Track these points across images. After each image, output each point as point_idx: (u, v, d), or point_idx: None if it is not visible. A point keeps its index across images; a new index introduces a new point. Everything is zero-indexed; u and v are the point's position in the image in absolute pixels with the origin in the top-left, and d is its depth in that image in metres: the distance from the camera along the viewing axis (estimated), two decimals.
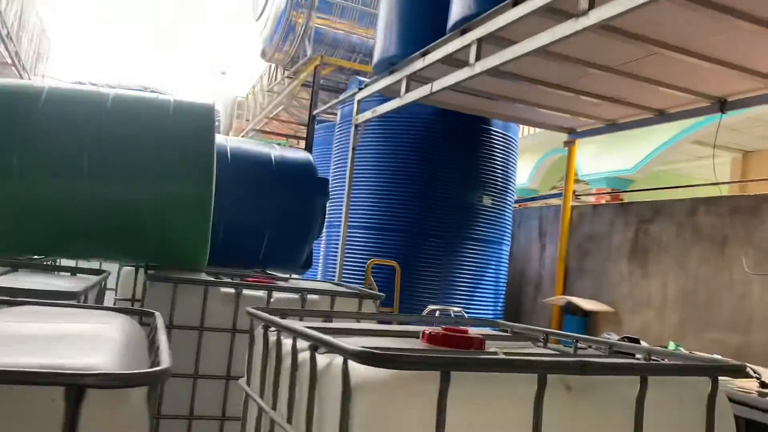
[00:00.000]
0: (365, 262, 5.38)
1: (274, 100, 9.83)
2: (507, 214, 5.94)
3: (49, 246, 2.54)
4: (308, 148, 6.61)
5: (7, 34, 7.45)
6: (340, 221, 5.63)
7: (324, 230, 6.67)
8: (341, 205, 5.67)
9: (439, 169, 5.53)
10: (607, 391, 0.98)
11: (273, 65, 9.52)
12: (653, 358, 1.32)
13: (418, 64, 3.98)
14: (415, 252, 5.40)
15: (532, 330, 1.74)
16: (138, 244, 2.62)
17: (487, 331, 1.73)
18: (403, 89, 4.21)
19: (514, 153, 6.01)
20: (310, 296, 2.44)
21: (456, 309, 4.65)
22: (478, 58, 3.24)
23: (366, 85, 5.04)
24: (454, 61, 3.57)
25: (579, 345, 1.57)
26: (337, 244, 5.31)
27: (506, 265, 5.97)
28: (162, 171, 2.52)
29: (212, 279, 2.37)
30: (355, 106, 5.19)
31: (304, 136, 7.68)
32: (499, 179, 5.76)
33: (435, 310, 4.59)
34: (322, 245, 6.09)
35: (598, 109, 5.04)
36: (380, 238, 5.44)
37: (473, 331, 1.63)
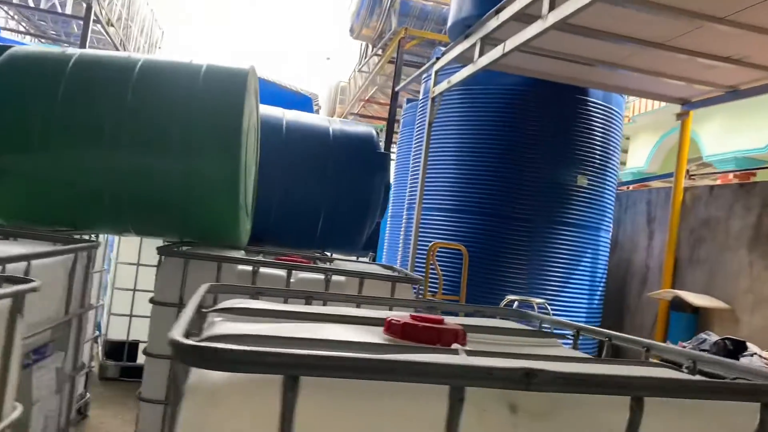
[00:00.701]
0: (456, 249, 5.09)
1: (366, 81, 9.68)
2: (607, 196, 5.37)
3: (76, 218, 2.51)
4: (390, 126, 6.39)
5: (107, 21, 7.89)
6: (430, 204, 5.37)
7: (402, 212, 6.44)
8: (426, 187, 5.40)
9: (528, 146, 5.08)
10: (582, 418, 0.66)
11: (365, 44, 9.36)
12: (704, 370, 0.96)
13: (492, 24, 3.61)
14: (498, 237, 5.01)
15: (564, 324, 1.40)
16: (165, 218, 2.53)
17: (510, 324, 1.41)
18: (476, 53, 3.85)
19: (616, 127, 5.41)
20: (336, 278, 2.22)
21: (538, 301, 4.24)
22: (552, 7, 2.83)
23: (443, 54, 4.71)
24: (529, 18, 3.17)
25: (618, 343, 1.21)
26: (411, 226, 5.06)
27: (605, 253, 5.41)
28: (186, 141, 2.40)
29: (228, 256, 2.21)
30: (433, 77, 4.88)
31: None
32: (598, 157, 5.20)
33: (513, 302, 4.21)
34: (402, 230, 5.86)
35: (716, 73, 4.37)
36: (459, 221, 5.11)
37: (476, 321, 1.33)
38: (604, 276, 5.42)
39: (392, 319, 1.02)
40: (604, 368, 0.86)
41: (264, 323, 1.11)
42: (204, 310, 1.11)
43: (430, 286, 4.59)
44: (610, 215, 5.46)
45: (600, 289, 5.36)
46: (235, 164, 2.42)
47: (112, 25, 8.31)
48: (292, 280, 2.17)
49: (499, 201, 5.05)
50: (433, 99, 4.83)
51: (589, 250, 5.18)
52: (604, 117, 5.23)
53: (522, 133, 5.09)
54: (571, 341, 1.33)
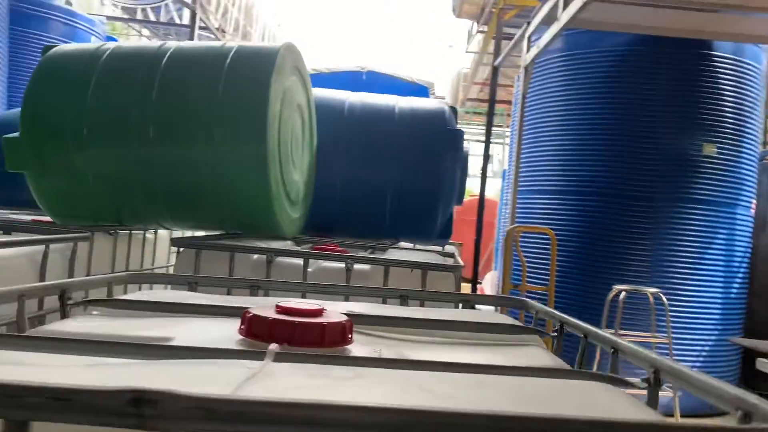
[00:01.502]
0: (542, 233, 4.64)
1: (475, 62, 9.25)
2: (745, 166, 4.59)
3: (117, 212, 2.52)
4: (491, 105, 5.99)
5: (218, 28, 8.26)
6: (522, 186, 4.96)
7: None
8: (526, 168, 4.98)
9: (641, 114, 4.48)
10: None
11: (472, 23, 8.96)
12: None
13: None
14: (610, 219, 4.47)
15: (548, 315, 1.09)
16: (200, 209, 2.46)
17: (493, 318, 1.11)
18: (560, 9, 3.41)
19: (753, 85, 4.61)
20: (359, 267, 2.00)
21: (652, 290, 3.69)
22: None
23: (532, 17, 4.28)
24: None
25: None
26: (507, 211, 4.67)
27: (745, 234, 4.64)
28: (211, 127, 2.31)
29: (240, 245, 2.08)
30: (525, 45, 4.46)
31: None
32: (729, 121, 4.46)
33: (621, 291, 3.70)
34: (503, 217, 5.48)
35: None
36: (563, 203, 4.63)
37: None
38: (745, 260, 4.65)
39: (248, 312, 0.79)
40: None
41: (134, 319, 0.93)
42: (71, 302, 0.96)
43: (515, 275, 4.21)
44: (750, 189, 4.67)
45: (740, 275, 4.60)
46: (263, 148, 2.29)
47: (224, 31, 8.70)
48: (310, 270, 2.00)
49: (610, 178, 4.50)
50: (525, 68, 4.42)
51: (723, 230, 4.46)
52: (735, 73, 4.47)
53: (633, 99, 4.49)
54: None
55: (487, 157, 5.86)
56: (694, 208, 4.41)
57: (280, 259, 2.01)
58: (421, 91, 13.53)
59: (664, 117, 4.46)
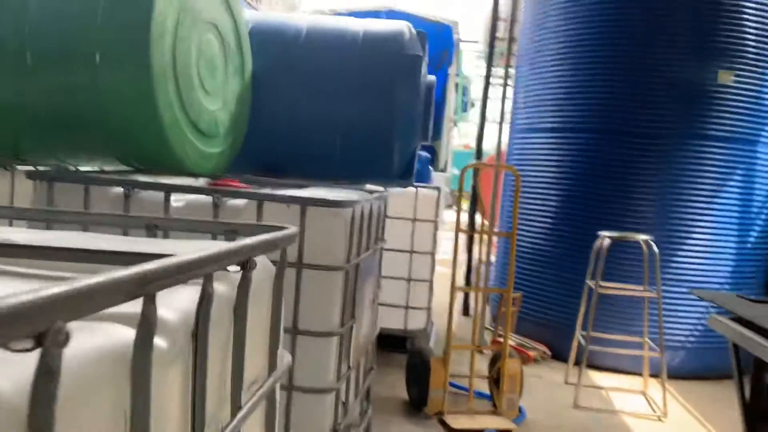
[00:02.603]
0: (543, 175, 4.27)
1: None
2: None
3: (11, 144, 2.29)
4: (492, 31, 5.52)
5: None
6: (521, 124, 4.56)
7: None
8: (523, 106, 4.57)
9: (644, 35, 4.00)
10: None
11: None
12: None
13: None
14: (607, 159, 4.06)
15: None
16: (90, 141, 2.21)
17: None
18: None
19: None
20: (233, 202, 1.73)
21: (642, 237, 3.31)
22: None
23: None
24: None
25: None
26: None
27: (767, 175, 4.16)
28: (91, 50, 2.03)
29: (99, 177, 1.82)
30: None
31: None
32: (751, 45, 3.94)
33: (604, 238, 3.34)
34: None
35: None
36: (560, 141, 4.23)
37: None
38: (767, 206, 4.19)
39: None
40: None
41: None
42: None
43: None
44: None
45: (759, 223, 4.16)
46: (146, 68, 2.00)
47: None
48: (179, 205, 1.74)
49: (608, 113, 4.06)
50: None
51: (740, 171, 4.01)
52: None
53: (637, 22, 4.00)
54: None
55: (486, 99, 5.44)
56: (706, 145, 3.95)
57: (145, 193, 1.75)
58: (445, 30, 12.94)
59: (672, 40, 3.97)
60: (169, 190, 1.71)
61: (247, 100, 2.77)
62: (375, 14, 12.36)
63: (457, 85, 13.17)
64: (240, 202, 1.71)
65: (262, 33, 2.98)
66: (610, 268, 3.56)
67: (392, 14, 12.32)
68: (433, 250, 3.78)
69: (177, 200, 1.75)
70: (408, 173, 3.14)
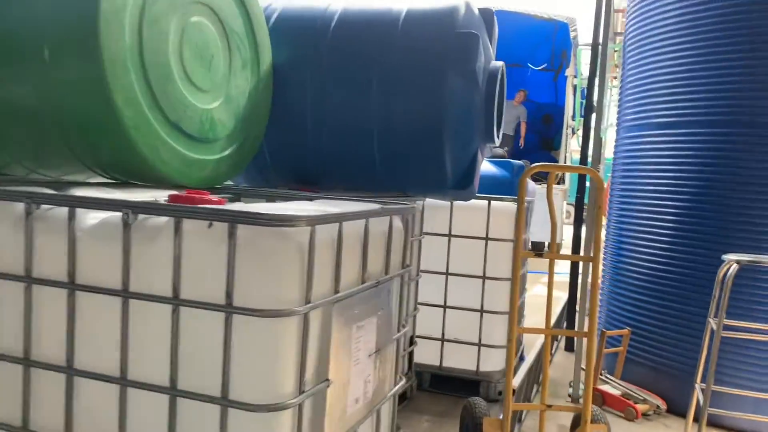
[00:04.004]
0: (654, 182, 3.51)
1: None
2: None
3: None
4: (598, 16, 4.75)
5: None
6: (628, 120, 3.82)
7: None
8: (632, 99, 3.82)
9: None
10: None
11: None
12: None
13: None
14: (743, 159, 3.22)
15: None
16: (52, 149, 1.89)
17: None
18: None
19: None
20: (155, 221, 1.30)
21: None
22: None
23: None
24: None
25: None
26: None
27: None
28: (40, 40, 1.71)
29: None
30: None
31: None
32: None
33: (731, 263, 2.55)
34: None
35: None
36: (675, 138, 3.44)
37: None
38: None
39: None
40: None
41: None
42: None
43: None
44: None
45: None
46: (95, 59, 1.64)
47: None
48: (92, 222, 1.34)
49: (741, 101, 3.23)
50: None
51: None
52: None
53: None
54: None
55: (591, 98, 4.71)
56: None
57: (58, 210, 1.38)
58: (560, 29, 12.09)
59: None
60: (75, 204, 1.31)
61: (263, 98, 2.37)
62: None
63: (575, 87, 12.24)
64: (161, 219, 1.28)
65: (286, 20, 2.59)
66: (738, 302, 2.77)
67: (499, 13, 11.69)
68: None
69: (94, 218, 1.36)
70: (466, 182, 2.59)
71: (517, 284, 2.15)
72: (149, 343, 1.28)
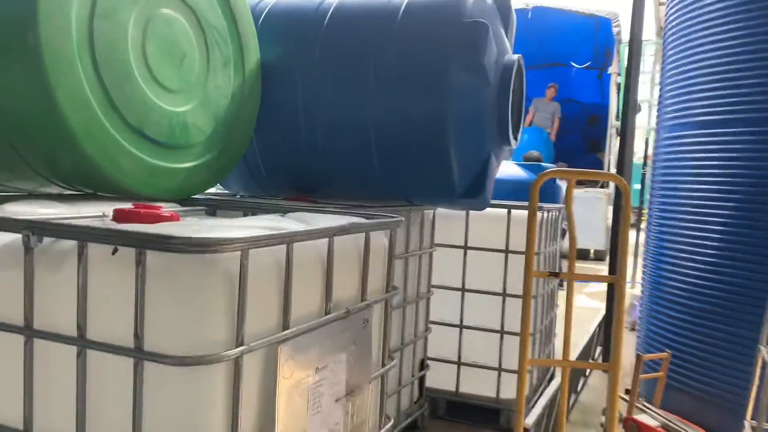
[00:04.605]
0: (695, 189, 3.18)
1: None
2: None
3: None
4: (633, 19, 4.40)
5: None
6: (673, 119, 3.49)
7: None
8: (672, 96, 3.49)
9: None
10: None
11: None
12: None
13: None
14: None
15: None
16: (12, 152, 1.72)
17: None
18: None
19: None
20: (61, 245, 1.09)
21: None
22: None
23: None
24: None
25: None
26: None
27: None
28: None
29: None
30: None
31: None
32: None
33: None
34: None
35: None
36: (717, 139, 3.10)
37: None
38: None
39: None
40: None
41: None
42: None
43: None
44: None
45: None
46: (34, 56, 1.46)
47: None
48: None
49: None
50: None
51: None
52: None
53: None
54: None
55: (628, 96, 4.38)
56: None
57: None
58: (603, 25, 11.63)
59: None
60: None
61: (249, 99, 2.17)
62: (519, 13, 11.46)
63: (619, 86, 11.76)
64: (68, 243, 1.08)
65: (277, 15, 2.39)
66: None
67: (539, 10, 11.34)
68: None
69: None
70: (478, 189, 2.33)
71: (528, 309, 1.89)
72: (55, 389, 1.08)
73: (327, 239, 1.26)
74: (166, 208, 1.79)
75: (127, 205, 1.43)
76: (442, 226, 2.86)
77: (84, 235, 1.01)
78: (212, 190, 2.73)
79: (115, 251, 1.00)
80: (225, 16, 2.07)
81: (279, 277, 1.14)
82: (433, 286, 2.80)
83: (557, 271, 2.11)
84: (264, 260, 1.10)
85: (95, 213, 1.47)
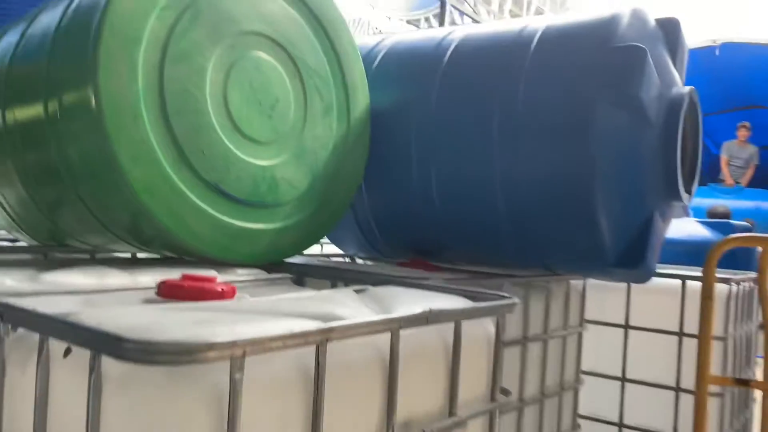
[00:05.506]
0: None
1: None
2: None
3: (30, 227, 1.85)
4: None
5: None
6: None
7: None
8: None
9: None
10: None
11: None
12: None
13: None
14: None
15: None
16: (77, 215, 1.60)
17: None
18: None
19: None
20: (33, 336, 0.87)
21: None
22: None
23: None
24: None
25: None
26: None
27: None
28: (44, 86, 1.47)
29: None
30: None
31: None
32: None
33: None
34: None
35: None
36: None
37: None
38: None
39: None
40: None
41: None
42: None
43: None
44: None
45: None
46: (95, 110, 1.32)
47: None
48: None
49: None
50: None
51: None
52: None
53: None
54: None
55: None
56: None
57: None
58: None
59: None
60: None
61: (355, 150, 1.92)
62: (706, 51, 10.40)
63: None
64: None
65: (394, 55, 2.15)
66: None
67: (728, 47, 10.22)
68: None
69: None
70: (636, 257, 1.84)
71: (703, 425, 1.36)
72: None
73: (389, 332, 0.92)
74: (245, 275, 1.58)
75: (176, 276, 1.21)
76: (597, 297, 2.37)
77: (43, 326, 0.77)
78: (317, 248, 2.52)
79: (67, 353, 0.75)
80: (328, 59, 1.86)
81: (306, 389, 0.82)
82: (584, 373, 2.30)
83: (747, 378, 1.54)
84: (280, 367, 0.79)
85: (150, 284, 1.27)
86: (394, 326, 0.92)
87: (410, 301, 1.10)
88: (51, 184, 1.61)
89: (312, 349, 0.80)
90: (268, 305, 1.01)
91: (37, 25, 1.66)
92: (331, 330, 0.81)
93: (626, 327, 2.38)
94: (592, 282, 2.29)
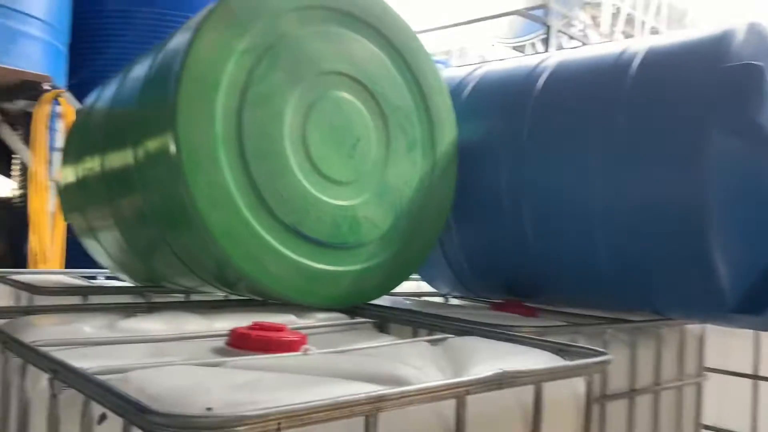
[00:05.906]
0: None
1: None
2: None
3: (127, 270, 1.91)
4: None
5: None
6: None
7: None
8: None
9: None
10: None
11: None
12: None
13: None
14: None
15: None
16: (158, 254, 1.63)
17: None
18: None
19: None
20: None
21: None
22: None
23: None
24: None
25: None
26: None
27: None
28: (130, 133, 1.51)
29: None
30: None
31: None
32: None
33: None
34: None
35: None
36: None
37: None
38: None
39: None
40: None
41: None
42: None
43: None
44: None
45: None
46: (173, 156, 1.34)
47: None
48: None
49: None
50: None
51: None
52: None
53: None
54: None
55: None
56: None
57: None
58: None
59: None
60: None
61: (440, 186, 1.84)
62: None
63: None
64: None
65: (484, 86, 2.06)
66: None
67: None
68: None
69: None
70: (760, 302, 1.62)
71: None
72: None
73: (455, 399, 0.84)
74: (324, 320, 1.54)
75: (247, 324, 1.19)
76: (719, 343, 2.13)
77: (85, 388, 0.76)
78: (415, 285, 2.44)
79: (102, 419, 0.73)
80: (411, 93, 1.81)
81: None
82: (706, 428, 2.06)
83: None
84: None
85: (224, 331, 1.25)
86: (461, 392, 0.83)
87: (489, 358, 1.01)
88: (141, 229, 1.66)
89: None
90: (328, 363, 0.95)
91: (131, 74, 1.74)
92: (381, 399, 0.73)
93: (755, 377, 2.11)
94: (712, 326, 2.06)
